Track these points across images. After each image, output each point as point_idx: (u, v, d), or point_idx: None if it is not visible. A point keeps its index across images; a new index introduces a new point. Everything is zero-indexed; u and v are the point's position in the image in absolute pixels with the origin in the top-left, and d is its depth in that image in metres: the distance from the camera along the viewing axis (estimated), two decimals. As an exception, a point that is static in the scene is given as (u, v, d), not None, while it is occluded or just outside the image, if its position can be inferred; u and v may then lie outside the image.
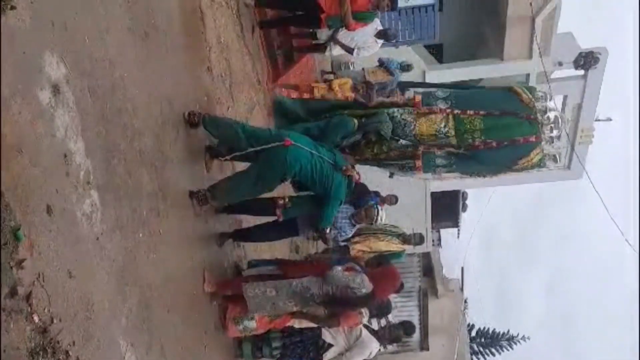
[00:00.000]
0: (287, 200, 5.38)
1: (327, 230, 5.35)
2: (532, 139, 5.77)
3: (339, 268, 5.04)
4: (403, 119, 5.94)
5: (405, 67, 9.60)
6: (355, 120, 5.85)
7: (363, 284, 4.85)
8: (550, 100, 6.30)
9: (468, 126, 5.82)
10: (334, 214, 5.20)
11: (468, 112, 5.84)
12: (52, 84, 2.88)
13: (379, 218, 5.70)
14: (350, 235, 5.92)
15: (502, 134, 5.77)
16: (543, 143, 5.90)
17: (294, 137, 4.86)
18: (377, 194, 8.98)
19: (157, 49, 4.41)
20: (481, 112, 5.80)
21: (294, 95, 8.95)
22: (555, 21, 12.27)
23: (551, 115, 6.04)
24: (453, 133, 5.83)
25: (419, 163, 6.02)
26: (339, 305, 4.99)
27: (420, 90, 6.99)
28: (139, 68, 4.02)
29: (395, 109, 6.12)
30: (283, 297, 4.89)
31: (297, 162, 4.76)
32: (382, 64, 9.38)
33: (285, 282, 4.96)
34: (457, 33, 14.11)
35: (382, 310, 5.76)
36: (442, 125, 5.83)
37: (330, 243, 5.81)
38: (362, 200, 6.02)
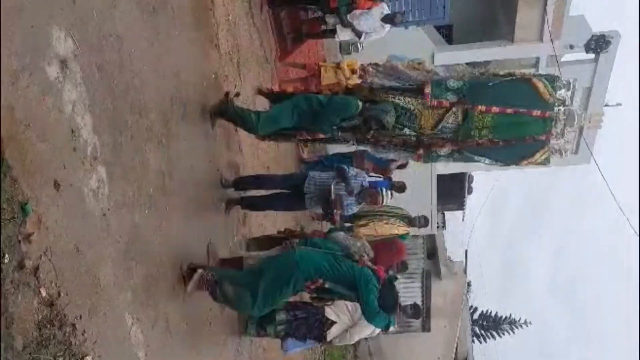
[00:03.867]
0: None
1: (335, 212, 5.38)
2: (542, 137, 5.38)
3: (342, 233, 5.15)
4: (407, 108, 5.48)
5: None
6: (360, 103, 5.43)
7: (364, 249, 4.91)
8: (572, 89, 5.83)
9: (477, 123, 5.40)
10: (375, 306, 4.44)
11: (479, 107, 5.34)
12: (60, 58, 2.87)
13: (384, 201, 5.69)
14: (355, 211, 5.88)
15: (511, 132, 5.40)
16: (552, 140, 5.43)
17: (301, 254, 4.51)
18: (390, 179, 9.00)
19: (165, 25, 4.38)
20: (493, 109, 5.32)
21: (302, 75, 8.91)
22: (567, 4, 12.10)
23: (566, 109, 5.61)
24: (460, 125, 5.41)
25: (419, 152, 5.70)
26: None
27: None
28: (147, 44, 4.00)
29: (401, 98, 5.55)
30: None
31: (310, 266, 4.39)
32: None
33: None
34: (467, 14, 13.93)
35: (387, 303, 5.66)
36: (450, 120, 5.39)
37: (337, 218, 5.80)
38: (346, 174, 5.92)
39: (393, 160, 8.82)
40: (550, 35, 12.15)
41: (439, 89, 5.42)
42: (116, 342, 3.25)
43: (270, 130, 5.53)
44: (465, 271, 17.95)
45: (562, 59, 13.25)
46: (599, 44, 12.74)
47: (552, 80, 5.47)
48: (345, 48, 11.77)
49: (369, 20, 8.06)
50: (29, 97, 2.63)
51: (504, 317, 32.91)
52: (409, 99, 5.44)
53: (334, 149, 10.04)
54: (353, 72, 7.82)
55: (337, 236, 5.13)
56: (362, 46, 10.89)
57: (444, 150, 5.45)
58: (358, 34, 8.13)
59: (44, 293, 2.61)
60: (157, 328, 3.80)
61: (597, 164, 12.63)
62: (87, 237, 3.01)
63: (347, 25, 8.02)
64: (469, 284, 19.34)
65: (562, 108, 5.40)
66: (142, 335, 3.54)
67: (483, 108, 5.29)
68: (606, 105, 14.23)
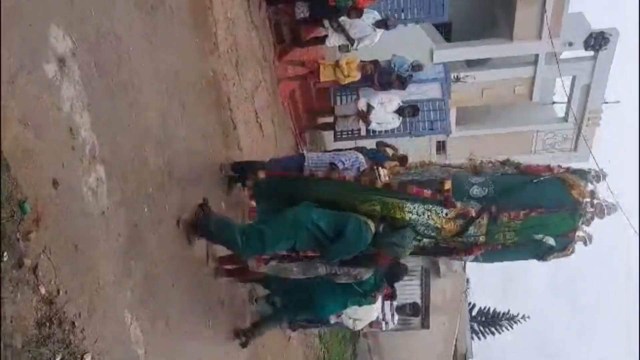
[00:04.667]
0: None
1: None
2: (570, 234, 4.91)
3: None
4: (427, 223, 4.71)
5: (417, 67, 9.50)
6: (372, 227, 4.56)
7: None
8: (602, 180, 4.87)
9: (503, 228, 4.79)
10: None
11: (506, 214, 4.72)
12: (58, 57, 2.88)
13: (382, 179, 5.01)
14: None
15: (538, 233, 4.84)
16: (579, 230, 4.91)
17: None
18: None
19: (164, 23, 4.38)
20: (521, 215, 4.73)
21: (301, 72, 8.90)
22: (566, 1, 12.10)
23: (595, 201, 4.82)
24: (484, 232, 4.76)
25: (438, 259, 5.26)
26: (342, 262, 5.00)
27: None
28: (145, 43, 4.01)
29: (419, 209, 4.66)
30: (286, 262, 4.96)
31: None
32: (393, 67, 9.20)
33: None
34: (466, 12, 13.93)
35: (391, 275, 5.51)
36: (473, 229, 4.76)
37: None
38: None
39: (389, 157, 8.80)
40: (549, 33, 12.16)
41: (461, 193, 4.76)
42: (116, 340, 3.26)
43: (258, 252, 4.78)
44: (464, 269, 17.96)
45: (561, 57, 13.25)
46: (598, 41, 12.73)
47: (583, 176, 4.95)
48: (344, 47, 11.76)
49: (359, 26, 8.08)
50: (28, 96, 2.64)
51: (502, 313, 32.95)
52: (429, 213, 4.68)
53: (334, 145, 10.06)
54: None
55: None
56: (357, 49, 10.87)
57: (469, 258, 4.93)
58: (351, 40, 8.13)
59: (43, 291, 2.62)
60: (156, 326, 3.81)
61: (596, 162, 12.64)
62: (86, 236, 3.01)
63: (338, 30, 8.01)
64: (467, 281, 19.34)
65: (589, 200, 4.81)
66: (142, 333, 3.55)
67: (511, 215, 4.74)
68: (605, 102, 14.24)
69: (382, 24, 8.17)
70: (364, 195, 4.69)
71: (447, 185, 4.69)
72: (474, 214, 4.64)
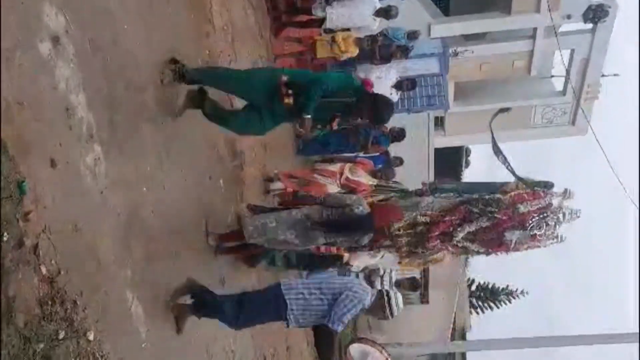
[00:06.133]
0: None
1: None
2: None
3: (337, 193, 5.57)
4: None
5: (412, 34, 9.37)
6: None
7: (359, 202, 5.03)
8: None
9: None
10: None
11: None
12: (52, 35, 2.84)
13: (397, 312, 4.60)
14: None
15: None
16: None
17: None
18: (387, 154, 8.94)
19: (159, 1, 4.33)
20: None
21: (297, 49, 8.82)
22: (565, -27, 11.99)
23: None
24: None
25: None
26: (340, 230, 5.02)
27: None
28: (141, 20, 3.96)
29: None
30: (283, 228, 4.95)
31: None
32: (386, 36, 9.11)
33: (285, 212, 5.06)
34: (464, -15, 13.80)
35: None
36: None
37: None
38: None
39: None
40: (548, 6, 12.05)
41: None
42: (117, 319, 3.28)
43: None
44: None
45: (560, 30, 13.15)
46: (596, 13, 12.63)
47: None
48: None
49: (359, 16, 7.99)
50: (23, 75, 2.61)
51: (500, 288, 33.21)
52: None
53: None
54: None
55: (332, 194, 5.45)
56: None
57: None
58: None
59: (44, 270, 2.63)
60: (158, 304, 3.84)
61: (595, 135, 12.65)
62: (86, 215, 3.01)
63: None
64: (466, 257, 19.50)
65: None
66: (143, 312, 3.58)
67: None
68: (603, 75, 14.18)
69: (383, 13, 8.09)
70: None
71: None
72: None
